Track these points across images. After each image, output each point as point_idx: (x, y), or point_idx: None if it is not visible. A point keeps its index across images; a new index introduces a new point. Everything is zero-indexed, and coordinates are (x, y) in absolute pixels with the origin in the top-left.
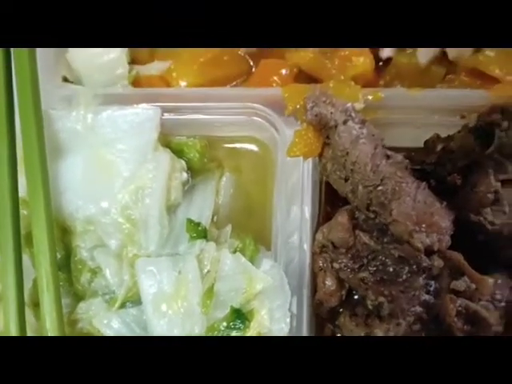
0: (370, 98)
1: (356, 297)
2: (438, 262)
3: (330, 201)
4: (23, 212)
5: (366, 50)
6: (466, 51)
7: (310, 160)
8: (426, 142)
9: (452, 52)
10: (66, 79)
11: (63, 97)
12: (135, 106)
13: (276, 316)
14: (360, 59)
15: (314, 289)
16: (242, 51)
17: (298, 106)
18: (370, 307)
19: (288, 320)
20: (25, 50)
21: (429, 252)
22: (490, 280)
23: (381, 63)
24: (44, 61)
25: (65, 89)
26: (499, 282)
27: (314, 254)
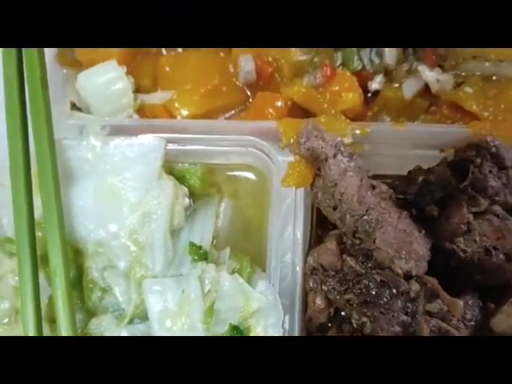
0: (358, 132)
1: (343, 313)
2: (415, 286)
3: (320, 224)
4: (38, 234)
5: (356, 84)
6: (448, 86)
7: (303, 190)
8: (408, 173)
9: (435, 86)
10: (73, 105)
11: (72, 125)
12: (141, 136)
13: (270, 332)
14: (349, 95)
15: (305, 306)
16: (240, 82)
17: (291, 141)
18: (355, 326)
19: (280, 335)
20: (38, 77)
21: (407, 277)
22: (461, 302)
23: (369, 95)
24: (53, 89)
25: (74, 118)
26: (469, 303)
27: (305, 275)
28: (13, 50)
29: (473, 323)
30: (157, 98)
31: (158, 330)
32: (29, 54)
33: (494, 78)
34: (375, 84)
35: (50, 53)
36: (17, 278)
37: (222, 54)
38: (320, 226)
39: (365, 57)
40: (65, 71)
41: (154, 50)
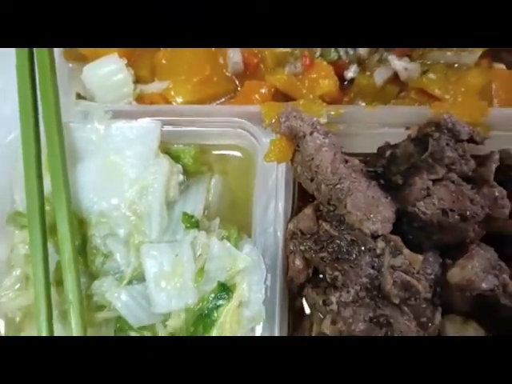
0: (333, 113)
1: (321, 276)
2: (380, 244)
3: (301, 197)
4: (47, 208)
5: (332, 73)
6: (415, 73)
7: (284, 164)
8: (378, 149)
9: (403, 74)
10: (79, 95)
11: (78, 111)
12: (140, 119)
13: (254, 288)
14: (325, 81)
15: (287, 268)
16: (229, 73)
17: (273, 120)
18: (328, 280)
19: (263, 291)
20: (47, 69)
21: (374, 236)
22: (420, 257)
23: (346, 83)
24: (60, 80)
25: (80, 105)
26: (430, 259)
27: (286, 240)
28: None
29: (432, 276)
30: (154, 87)
31: (153, 290)
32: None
33: (456, 65)
34: (350, 73)
35: (56, 49)
36: (27, 247)
37: (212, 48)
38: (301, 199)
39: (341, 48)
40: (70, 65)
41: None
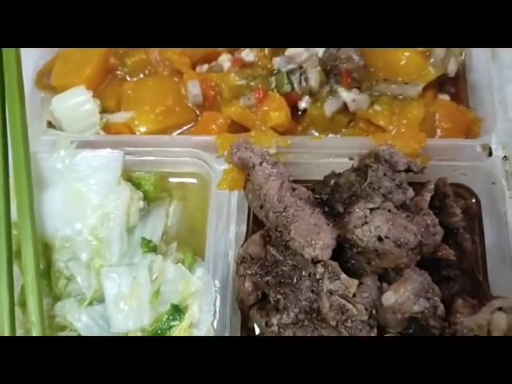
0: (281, 144)
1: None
2: (320, 269)
3: (256, 222)
4: (14, 232)
5: (283, 104)
6: (363, 104)
7: (236, 191)
8: (324, 177)
9: (352, 105)
10: (49, 123)
11: (47, 141)
12: (103, 149)
13: (204, 310)
14: (276, 113)
15: (238, 290)
16: (190, 103)
17: (226, 152)
18: (272, 302)
19: (212, 312)
20: (16, 97)
21: (315, 261)
22: (356, 282)
23: (299, 112)
24: (33, 108)
25: (48, 134)
26: (368, 283)
27: (236, 264)
28: None
29: (369, 299)
30: (120, 117)
31: (112, 310)
32: (9, 78)
33: (401, 97)
34: (303, 103)
35: (29, 78)
36: None
37: (175, 80)
38: (255, 223)
39: (295, 80)
40: (42, 94)
41: (118, 76)
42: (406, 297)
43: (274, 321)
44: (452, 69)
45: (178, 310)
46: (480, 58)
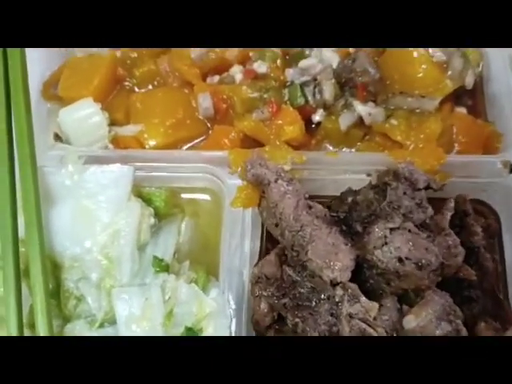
0: (296, 160)
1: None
2: (339, 292)
3: (269, 239)
4: (22, 250)
5: (297, 118)
6: (379, 118)
7: (251, 209)
8: (341, 194)
9: (367, 119)
10: (57, 135)
11: (54, 155)
12: (113, 165)
13: (219, 332)
14: (290, 127)
15: (253, 310)
16: (201, 116)
17: (239, 168)
18: (290, 326)
19: (227, 335)
20: (22, 109)
21: (333, 283)
22: (376, 305)
23: (313, 126)
24: (39, 119)
25: (55, 148)
26: (388, 305)
27: (251, 284)
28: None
29: (389, 322)
30: (128, 130)
31: (124, 332)
32: (15, 89)
33: (417, 110)
34: (317, 116)
35: (35, 88)
36: (1, 289)
37: (185, 91)
38: (269, 240)
39: (309, 93)
40: (49, 105)
41: (126, 87)
42: (427, 320)
43: None
44: (470, 81)
45: (192, 333)
46: (498, 69)
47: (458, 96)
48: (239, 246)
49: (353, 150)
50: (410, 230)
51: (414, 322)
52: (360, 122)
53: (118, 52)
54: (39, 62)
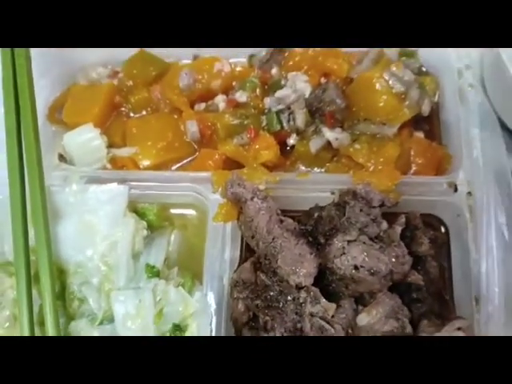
0: (271, 180)
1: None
2: (303, 294)
3: (248, 249)
4: (32, 258)
5: (273, 143)
6: (345, 141)
7: (231, 222)
8: (309, 209)
9: (334, 143)
10: (61, 156)
11: (59, 175)
12: (111, 184)
13: (202, 329)
14: (266, 152)
15: (232, 309)
16: (188, 139)
17: (221, 188)
18: (261, 323)
19: (208, 331)
20: (32, 140)
21: (298, 287)
22: (334, 305)
23: (288, 148)
24: (44, 142)
25: (59, 169)
26: (346, 305)
27: (230, 287)
28: (12, 105)
29: (346, 320)
30: (125, 152)
31: (120, 329)
32: (24, 112)
33: (378, 135)
34: (291, 140)
35: (41, 112)
36: (15, 293)
37: (175, 116)
38: (248, 250)
39: (284, 119)
40: (53, 128)
41: (123, 112)
42: (377, 318)
43: None
44: (425, 109)
45: (179, 329)
46: (450, 100)
47: (417, 121)
48: (220, 255)
49: (322, 169)
50: (364, 242)
51: (365, 320)
52: (328, 145)
53: (115, 80)
54: (44, 88)
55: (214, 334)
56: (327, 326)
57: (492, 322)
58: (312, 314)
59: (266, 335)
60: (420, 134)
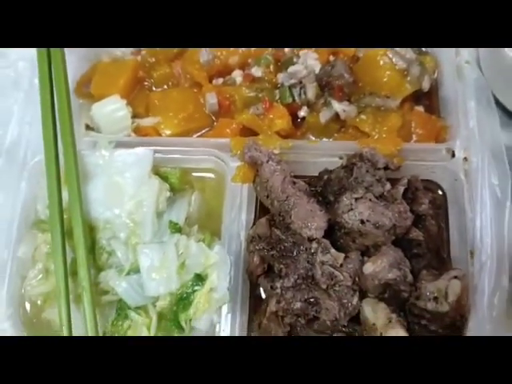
0: (284, 146)
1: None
2: (314, 245)
3: (262, 209)
4: (66, 216)
5: (286, 113)
6: (352, 114)
7: (248, 184)
8: (319, 173)
9: (342, 115)
10: (87, 126)
11: (88, 141)
12: (137, 148)
13: (221, 277)
14: (279, 121)
15: (248, 263)
16: (207, 111)
17: (239, 152)
18: (276, 271)
19: (228, 280)
20: (65, 108)
21: (310, 239)
22: (342, 255)
23: (299, 120)
24: (73, 113)
25: (89, 136)
26: (352, 256)
27: (247, 242)
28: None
29: (353, 269)
30: (148, 121)
31: (146, 279)
32: (58, 90)
33: (383, 108)
34: (302, 112)
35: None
36: (48, 247)
37: (195, 90)
38: (262, 210)
39: (295, 93)
40: (80, 101)
41: (146, 86)
42: (382, 267)
43: (278, 284)
44: (425, 85)
45: (200, 278)
46: (448, 77)
47: (418, 97)
48: (237, 215)
49: (331, 139)
50: (370, 199)
51: (371, 268)
52: (336, 117)
53: (139, 57)
54: (71, 65)
55: (232, 283)
56: (337, 273)
57: (484, 270)
58: (323, 262)
59: (280, 282)
60: (420, 109)
